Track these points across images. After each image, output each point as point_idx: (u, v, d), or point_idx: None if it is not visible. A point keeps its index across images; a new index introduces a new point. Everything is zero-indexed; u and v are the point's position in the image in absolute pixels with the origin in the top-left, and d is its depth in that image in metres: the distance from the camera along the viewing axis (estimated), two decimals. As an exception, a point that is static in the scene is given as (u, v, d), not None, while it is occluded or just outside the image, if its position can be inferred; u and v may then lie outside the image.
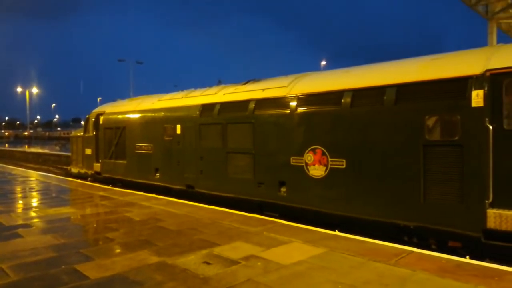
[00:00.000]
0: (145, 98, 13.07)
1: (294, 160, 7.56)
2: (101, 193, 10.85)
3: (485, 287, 4.04)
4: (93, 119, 14.49)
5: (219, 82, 16.10)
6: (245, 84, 9.45)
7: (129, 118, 12.65)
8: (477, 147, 5.29)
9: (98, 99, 54.39)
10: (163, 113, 11.15)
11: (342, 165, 6.83)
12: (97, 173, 14.24)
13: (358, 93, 6.78)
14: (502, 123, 5.24)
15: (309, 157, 7.32)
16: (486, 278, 4.28)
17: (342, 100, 6.92)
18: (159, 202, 9.39)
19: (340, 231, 6.63)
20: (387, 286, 4.09)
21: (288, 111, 7.77)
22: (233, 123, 8.85)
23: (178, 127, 10.44)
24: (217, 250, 5.41)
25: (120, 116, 13.13)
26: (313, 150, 7.25)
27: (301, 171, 7.42)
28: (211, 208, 8.46)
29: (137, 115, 12.31)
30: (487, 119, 5.23)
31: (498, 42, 14.80)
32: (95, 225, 7.19)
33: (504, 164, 5.13)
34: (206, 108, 9.67)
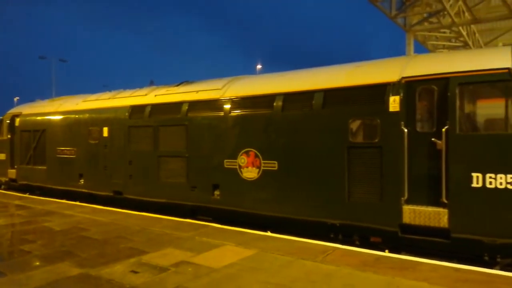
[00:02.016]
0: (69, 99, 12.18)
1: (227, 163, 7.55)
2: (17, 202, 9.88)
3: (400, 278, 4.37)
4: (8, 121, 13.16)
5: (151, 83, 15.56)
6: (178, 85, 9.25)
7: (50, 120, 11.69)
8: (394, 148, 5.73)
9: (15, 99, 49.56)
10: (88, 115, 10.48)
11: (274, 167, 6.97)
12: (12, 180, 12.93)
13: (289, 97, 6.99)
14: (416, 126, 5.73)
15: (242, 159, 7.36)
16: (402, 270, 4.64)
17: (274, 104, 7.07)
18: (83, 210, 8.79)
19: (272, 232, 6.76)
20: (314, 283, 4.24)
21: (221, 113, 7.75)
22: (165, 125, 8.60)
23: (105, 129, 9.88)
24: (145, 258, 5.20)
25: (39, 118, 12.07)
26: (247, 153, 7.31)
27: (235, 173, 7.44)
28: (141, 215, 8.13)
29: (59, 117, 11.42)
30: (402, 123, 5.69)
31: (415, 52, 16.24)
32: (9, 237, 6.51)
33: (417, 164, 5.62)
34: (136, 109, 9.29)
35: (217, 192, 7.69)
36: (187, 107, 8.26)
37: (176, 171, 8.32)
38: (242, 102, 7.57)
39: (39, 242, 6.06)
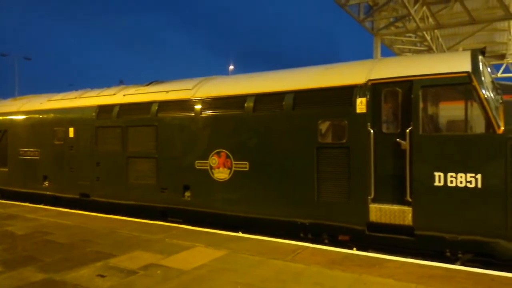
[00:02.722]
0: (32, 98, 11.70)
1: (198, 164, 7.50)
2: (-25, 206, 9.37)
3: (367, 275, 4.50)
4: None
5: (120, 82, 15.19)
6: (147, 85, 9.09)
7: (11, 120, 11.18)
8: (361, 149, 5.88)
9: (-26, 98, 46.92)
10: (53, 115, 10.10)
11: (246, 167, 6.99)
12: (-30, 183, 12.26)
13: (260, 98, 7.03)
14: (381, 127, 5.91)
15: (213, 160, 7.33)
16: (369, 267, 4.78)
17: (245, 105, 7.09)
18: (48, 213, 8.47)
19: (243, 232, 6.77)
20: (284, 282, 4.29)
21: (192, 114, 7.69)
22: (135, 126, 8.43)
23: (71, 130, 9.56)
24: (113, 262, 5.08)
25: (0, 118, 11.52)
26: (218, 154, 7.29)
27: (206, 174, 7.39)
28: (109, 218, 7.93)
29: (21, 117, 10.94)
30: (369, 124, 5.85)
31: (382, 55, 16.73)
32: (-36, 243, 6.17)
33: (383, 163, 5.79)
34: (104, 109, 9.05)
35: (187, 194, 7.61)
36: (157, 107, 8.13)
37: (146, 173, 8.17)
38: (213, 102, 7.54)
39: (0, 246, 5.80)
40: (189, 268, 4.75)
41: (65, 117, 9.76)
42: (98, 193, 9.01)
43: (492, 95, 5.26)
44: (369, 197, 5.76)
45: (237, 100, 7.25)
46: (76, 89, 11.06)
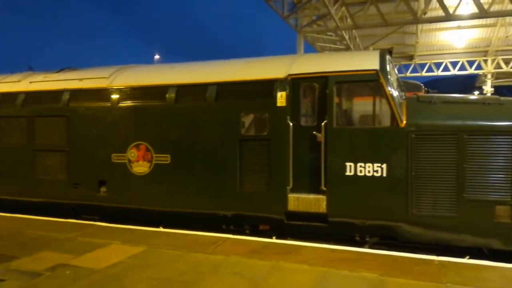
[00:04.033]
0: None
1: (115, 157, 7.10)
2: None
3: (284, 262, 4.67)
4: None
5: (30, 69, 13.77)
6: (58, 72, 8.34)
7: None
8: (281, 141, 6.05)
9: None
10: None
11: (167, 160, 6.79)
12: None
13: (183, 89, 6.86)
14: (300, 120, 6.15)
15: (132, 153, 7.00)
16: (286, 254, 4.96)
17: (167, 95, 6.87)
18: None
19: (165, 227, 6.59)
20: (202, 274, 4.27)
21: (109, 104, 7.24)
22: (43, 116, 7.69)
23: None
24: (14, 264, 4.61)
25: None
26: (137, 146, 6.98)
27: (124, 168, 7.04)
28: (13, 217, 7.19)
29: None
30: (288, 117, 6.04)
31: (305, 52, 17.39)
32: None
33: (301, 155, 6.04)
34: (6, 98, 8.11)
35: (103, 189, 7.17)
36: (68, 96, 7.51)
37: (56, 167, 7.52)
38: (132, 92, 7.18)
39: None
40: (102, 267, 4.49)
41: None
42: (0, 190, 8.09)
43: (396, 92, 5.75)
44: (288, 187, 5.96)
45: (158, 91, 7.00)
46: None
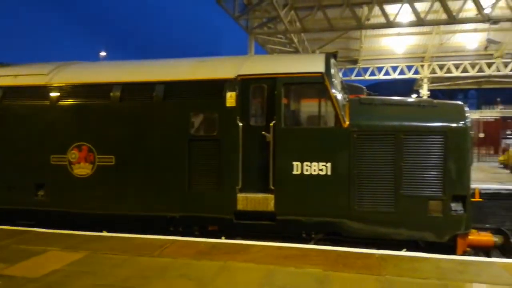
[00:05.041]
0: None
1: (55, 159, 6.69)
2: None
3: (232, 261, 4.68)
4: None
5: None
6: (-11, 68, 7.70)
7: None
8: (230, 141, 6.06)
9: None
10: None
11: (111, 161, 6.52)
12: None
13: (128, 88, 6.63)
14: (249, 120, 6.20)
15: (73, 154, 6.64)
16: (234, 254, 4.98)
17: (112, 94, 6.60)
18: None
19: (109, 231, 6.32)
20: (148, 278, 4.16)
21: (47, 102, 6.81)
22: None
23: None
24: None
25: None
26: (79, 147, 6.63)
27: (64, 170, 6.65)
28: None
29: None
30: (238, 117, 6.07)
31: (256, 53, 17.56)
32: None
33: (250, 155, 6.09)
34: None
35: (41, 193, 6.73)
36: (1, 94, 6.96)
37: None
38: (73, 90, 6.82)
39: None
40: (39, 275, 4.21)
41: None
42: None
43: (340, 94, 5.99)
44: (237, 187, 5.99)
45: (102, 89, 6.71)
46: None
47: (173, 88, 6.48)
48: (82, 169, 6.59)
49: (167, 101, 6.42)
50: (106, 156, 6.52)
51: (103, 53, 38.10)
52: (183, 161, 6.23)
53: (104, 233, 6.08)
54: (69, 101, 6.77)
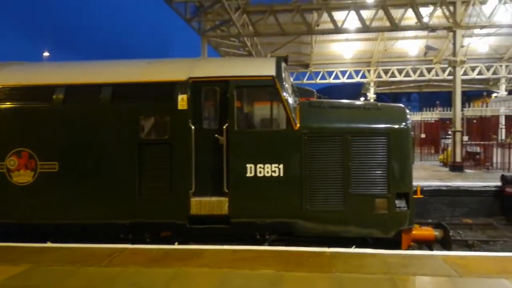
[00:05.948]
0: None
1: (-9, 167, 6.20)
2: None
3: (186, 268, 4.60)
4: None
5: None
6: None
7: None
8: (182, 145, 5.96)
9: None
10: None
11: (55, 168, 6.16)
12: None
13: (72, 90, 6.31)
14: (202, 123, 6.14)
15: (12, 161, 6.19)
16: (188, 260, 4.89)
17: (54, 96, 6.24)
18: None
19: (53, 242, 5.96)
20: (96, 289, 3.97)
21: (-19, 106, 6.30)
22: None
23: None
24: None
25: None
26: (18, 153, 6.19)
27: (2, 178, 6.19)
28: None
29: None
30: (190, 120, 5.99)
31: (209, 56, 17.45)
32: None
33: (204, 158, 6.03)
34: None
35: (-25, 203, 6.21)
36: None
37: None
38: (12, 92, 6.37)
39: None
40: (-28, 294, 3.88)
41: None
42: None
43: (291, 97, 6.12)
44: (190, 191, 5.90)
45: (44, 91, 6.33)
46: None
47: (121, 90, 6.27)
48: (22, 177, 6.16)
49: (115, 104, 6.19)
50: (48, 163, 6.15)
51: (46, 54, 35.98)
52: (132, 166, 6.03)
53: (49, 244, 5.72)
54: (7, 104, 6.32)
